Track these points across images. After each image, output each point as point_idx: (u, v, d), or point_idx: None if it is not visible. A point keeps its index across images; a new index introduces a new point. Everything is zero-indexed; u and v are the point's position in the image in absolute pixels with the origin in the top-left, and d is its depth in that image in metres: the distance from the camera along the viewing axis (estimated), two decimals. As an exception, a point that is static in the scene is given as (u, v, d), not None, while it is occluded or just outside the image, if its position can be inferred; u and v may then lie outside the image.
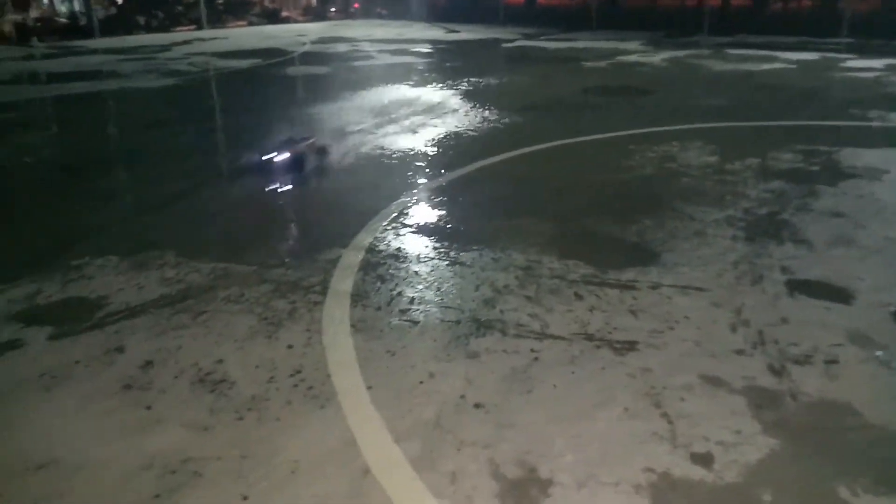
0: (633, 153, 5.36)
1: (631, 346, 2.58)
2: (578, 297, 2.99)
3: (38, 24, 16.85)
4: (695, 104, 7.41)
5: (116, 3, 18.66)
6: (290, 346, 2.63)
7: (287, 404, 2.27)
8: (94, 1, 17.77)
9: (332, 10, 24.25)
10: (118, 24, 17.35)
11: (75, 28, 17.71)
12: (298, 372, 2.46)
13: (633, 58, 11.41)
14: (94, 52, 12.62)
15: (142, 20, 18.56)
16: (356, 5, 23.88)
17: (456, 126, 6.50)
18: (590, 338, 2.64)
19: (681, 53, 11.79)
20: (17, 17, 17.01)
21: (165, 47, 13.08)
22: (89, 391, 2.34)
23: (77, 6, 21.22)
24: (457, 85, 8.91)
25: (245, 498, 1.86)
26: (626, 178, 4.76)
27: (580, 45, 13.57)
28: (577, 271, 3.24)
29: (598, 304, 2.91)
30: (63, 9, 21.72)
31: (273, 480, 1.92)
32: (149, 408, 2.25)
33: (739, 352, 2.53)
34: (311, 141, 5.24)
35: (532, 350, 2.57)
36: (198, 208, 4.33)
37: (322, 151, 5.29)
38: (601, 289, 3.05)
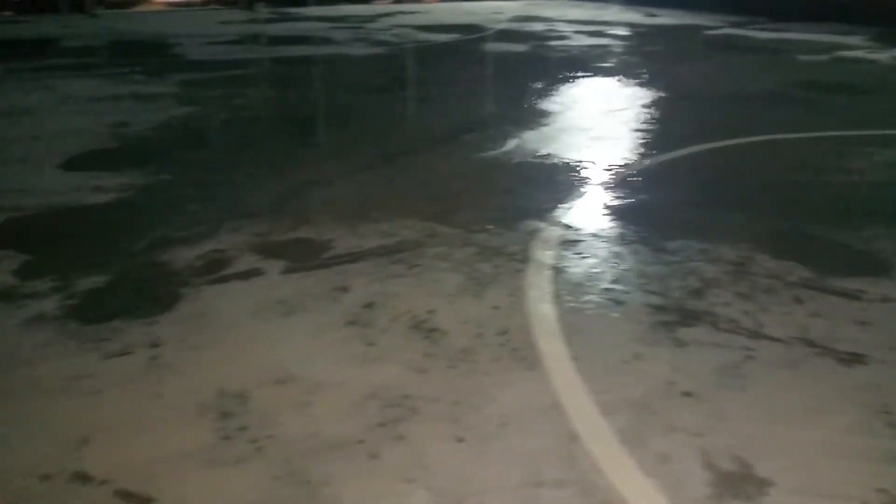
0: (856, 155, 4.91)
1: (858, 358, 2.40)
2: (797, 300, 2.81)
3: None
4: (933, 109, 6.61)
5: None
6: (495, 307, 2.72)
7: (495, 360, 2.36)
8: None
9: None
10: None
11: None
12: (504, 332, 2.54)
13: (856, 53, 10.36)
14: (308, 18, 13.56)
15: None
16: None
17: (656, 111, 6.29)
18: (810, 344, 2.48)
19: (916, 52, 10.53)
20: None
21: (371, 18, 13.76)
22: (320, 322, 2.58)
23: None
24: (656, 69, 8.60)
25: (460, 440, 1.97)
26: (849, 180, 4.37)
27: (793, 36, 12.53)
28: (795, 273, 3.05)
29: (820, 309, 2.73)
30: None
31: (486, 429, 2.01)
32: (371, 344, 2.44)
33: None
34: None
35: (745, 347, 2.47)
36: (411, 169, 4.56)
37: None
38: (823, 295, 2.85)
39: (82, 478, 1.78)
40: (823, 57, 10.06)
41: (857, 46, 11.18)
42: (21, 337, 2.44)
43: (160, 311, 2.60)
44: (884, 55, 10.23)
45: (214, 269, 2.96)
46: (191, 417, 2.03)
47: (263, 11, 14.75)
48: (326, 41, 10.47)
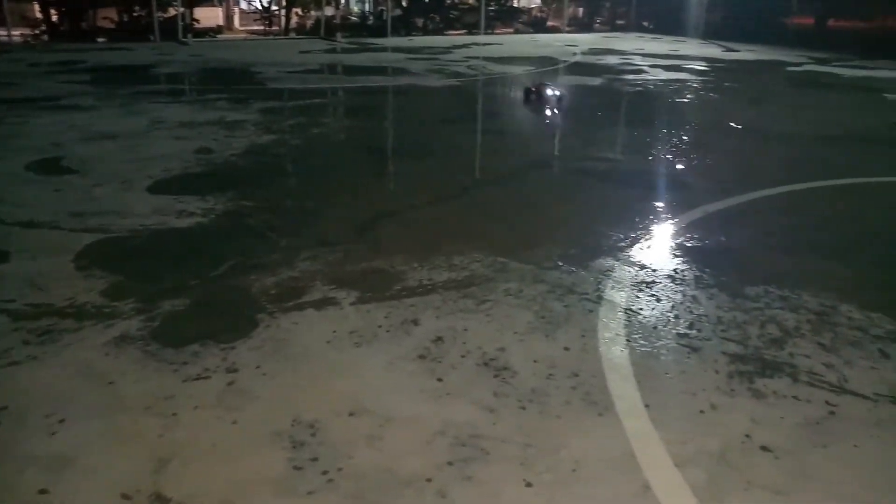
0: (953, 203, 4.67)
1: (954, 421, 2.26)
2: (884, 354, 2.68)
3: (335, 20, 19.00)
4: None
5: (402, 5, 20.38)
6: (566, 349, 2.69)
7: (566, 404, 2.33)
8: (382, 3, 19.67)
9: (598, 21, 24.31)
10: (400, 24, 18.96)
11: (365, 26, 19.71)
12: (576, 375, 2.50)
13: (951, 93, 9.90)
14: (385, 49, 13.93)
15: (420, 22, 20.13)
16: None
17: (738, 150, 6.16)
18: (901, 403, 2.36)
19: None
20: (318, 14, 19.42)
21: (447, 49, 14.02)
22: (391, 354, 2.60)
23: (367, 7, 23.67)
24: (737, 106, 8.43)
25: (528, 485, 1.94)
26: (945, 230, 4.16)
27: (882, 74, 12.08)
28: (882, 326, 2.91)
29: (912, 366, 2.59)
30: (356, 8, 24.35)
31: (555, 474, 1.98)
32: (440, 380, 2.45)
33: None
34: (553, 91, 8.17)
35: (827, 402, 2.36)
36: (484, 202, 4.58)
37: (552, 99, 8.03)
38: (915, 351, 2.70)
39: (162, 499, 1.84)
40: (915, 96, 9.67)
41: (952, 85, 10.70)
42: (107, 356, 2.55)
43: (237, 337, 2.68)
44: (981, 95, 9.74)
45: (290, 297, 3.03)
46: (264, 445, 2.08)
47: (342, 42, 15.22)
48: (403, 72, 10.70)
